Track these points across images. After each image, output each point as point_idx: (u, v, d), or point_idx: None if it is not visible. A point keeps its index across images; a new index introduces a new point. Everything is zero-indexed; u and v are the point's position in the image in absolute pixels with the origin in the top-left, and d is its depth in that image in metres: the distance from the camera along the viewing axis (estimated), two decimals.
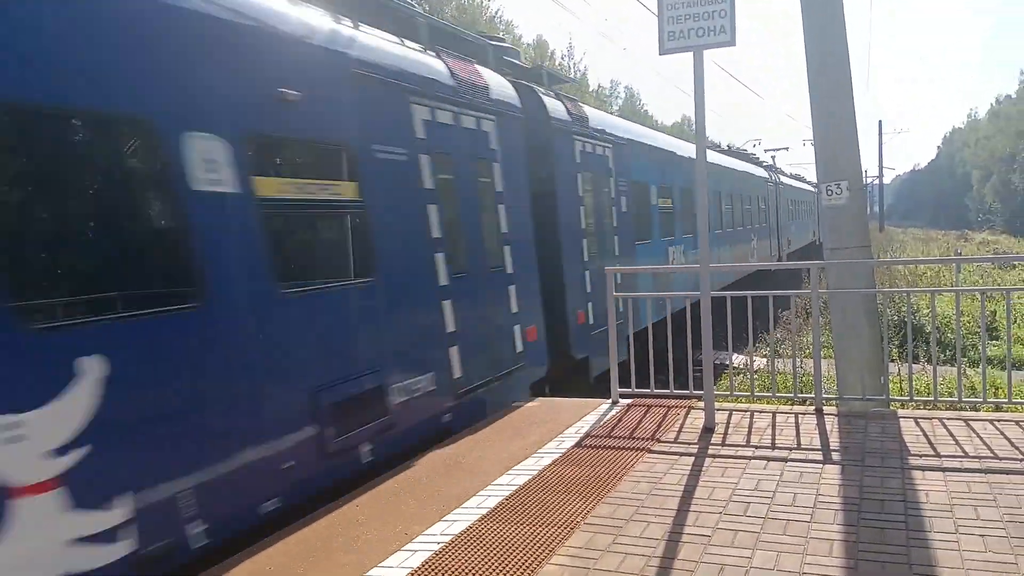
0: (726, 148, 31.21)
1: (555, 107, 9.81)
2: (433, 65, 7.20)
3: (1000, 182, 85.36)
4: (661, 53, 6.21)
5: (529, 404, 7.35)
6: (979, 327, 13.85)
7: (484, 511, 4.63)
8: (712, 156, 18.02)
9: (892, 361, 11.17)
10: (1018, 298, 17.03)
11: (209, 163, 4.50)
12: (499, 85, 8.48)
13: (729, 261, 18.62)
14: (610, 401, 7.18)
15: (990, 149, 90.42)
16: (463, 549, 4.11)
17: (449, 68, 7.41)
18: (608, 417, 6.67)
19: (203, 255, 4.43)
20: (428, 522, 4.52)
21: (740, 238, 21.63)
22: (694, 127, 6.40)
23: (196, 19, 4.55)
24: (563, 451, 5.77)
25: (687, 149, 16.22)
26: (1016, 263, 27.35)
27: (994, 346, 13.31)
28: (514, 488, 5.00)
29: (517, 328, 8.17)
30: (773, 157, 40.58)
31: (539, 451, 5.80)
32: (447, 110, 7.12)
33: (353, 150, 5.81)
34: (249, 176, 4.77)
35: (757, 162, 29.49)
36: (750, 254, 23.06)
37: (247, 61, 4.91)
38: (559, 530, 4.29)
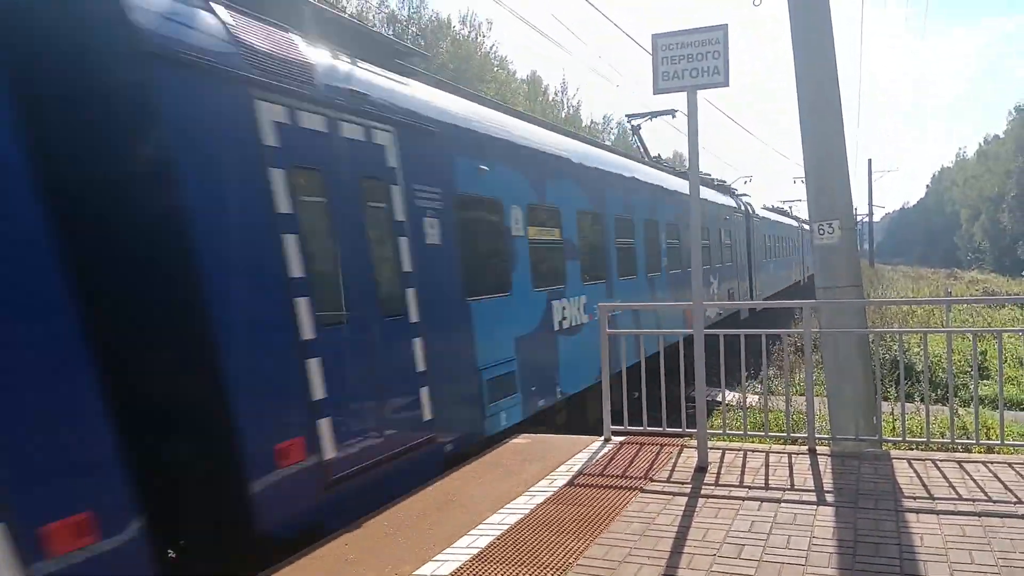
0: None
1: (744, 204, 23.13)
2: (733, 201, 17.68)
3: (988, 221, 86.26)
4: (656, 92, 6.27)
5: (518, 440, 7.30)
6: (970, 367, 13.91)
7: (475, 551, 4.57)
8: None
9: (885, 400, 11.18)
10: (1009, 338, 17.11)
11: (518, 221, 8.59)
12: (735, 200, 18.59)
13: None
14: (602, 439, 7.14)
15: (978, 188, 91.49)
16: None
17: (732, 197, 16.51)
18: (600, 455, 6.63)
19: (512, 270, 8.46)
20: (419, 561, 4.46)
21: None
22: (688, 163, 6.44)
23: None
24: (555, 489, 5.71)
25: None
26: (1006, 304, 27.51)
27: (985, 386, 13.35)
28: (505, 528, 4.94)
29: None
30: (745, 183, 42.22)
31: (531, 489, 5.75)
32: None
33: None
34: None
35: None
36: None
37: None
38: (551, 572, 4.23)
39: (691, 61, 6.12)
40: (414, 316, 6.52)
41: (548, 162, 9.68)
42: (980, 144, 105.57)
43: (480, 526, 5.00)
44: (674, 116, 19.47)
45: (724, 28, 6.03)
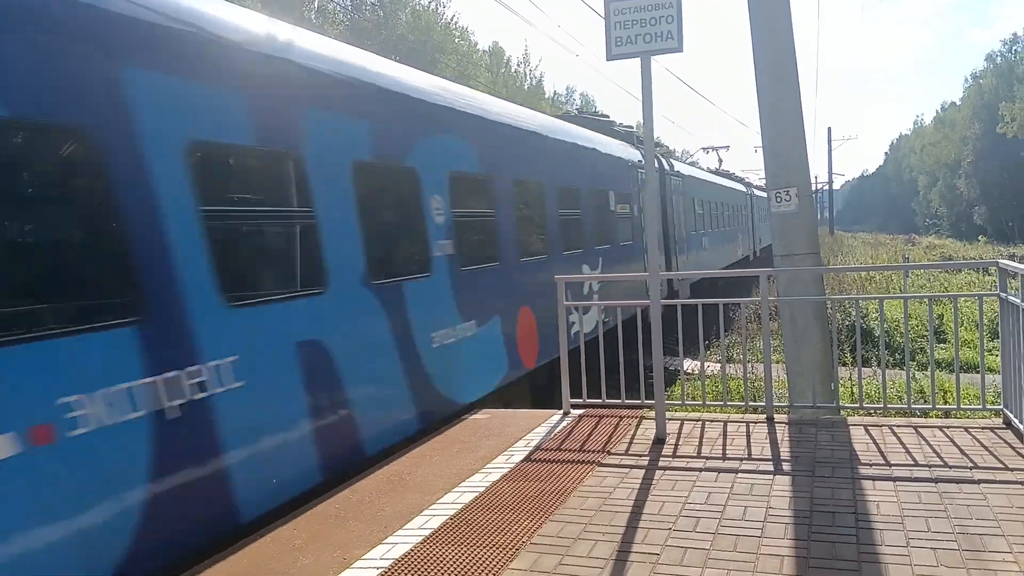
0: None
1: (664, 163, 19.67)
2: (633, 152, 15.74)
3: (945, 187, 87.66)
4: (608, 59, 6.12)
5: (477, 416, 7.19)
6: (927, 331, 14.08)
7: (427, 532, 4.45)
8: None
9: (843, 366, 11.25)
10: (964, 303, 17.35)
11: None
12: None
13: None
14: (561, 412, 7.05)
15: (936, 155, 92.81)
16: (402, 575, 3.93)
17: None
18: (559, 429, 6.54)
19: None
20: (369, 545, 4.33)
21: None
22: (643, 132, 6.31)
23: None
24: (512, 466, 5.61)
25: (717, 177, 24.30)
26: (962, 268, 27.97)
27: (942, 350, 13.50)
28: (459, 507, 4.83)
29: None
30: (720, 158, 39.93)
31: (487, 466, 5.64)
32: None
33: None
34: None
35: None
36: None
37: None
38: (504, 552, 4.13)
39: (644, 26, 5.97)
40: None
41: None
42: (937, 111, 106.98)
43: (433, 506, 4.88)
44: (727, 150, 24.55)
45: None
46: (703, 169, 30.40)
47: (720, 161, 37.73)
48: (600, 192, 12.74)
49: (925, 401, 9.36)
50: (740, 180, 35.31)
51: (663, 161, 17.92)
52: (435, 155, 7.41)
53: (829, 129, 68.35)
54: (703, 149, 37.42)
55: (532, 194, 9.92)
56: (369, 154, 6.42)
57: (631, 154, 14.97)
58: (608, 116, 17.56)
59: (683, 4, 5.92)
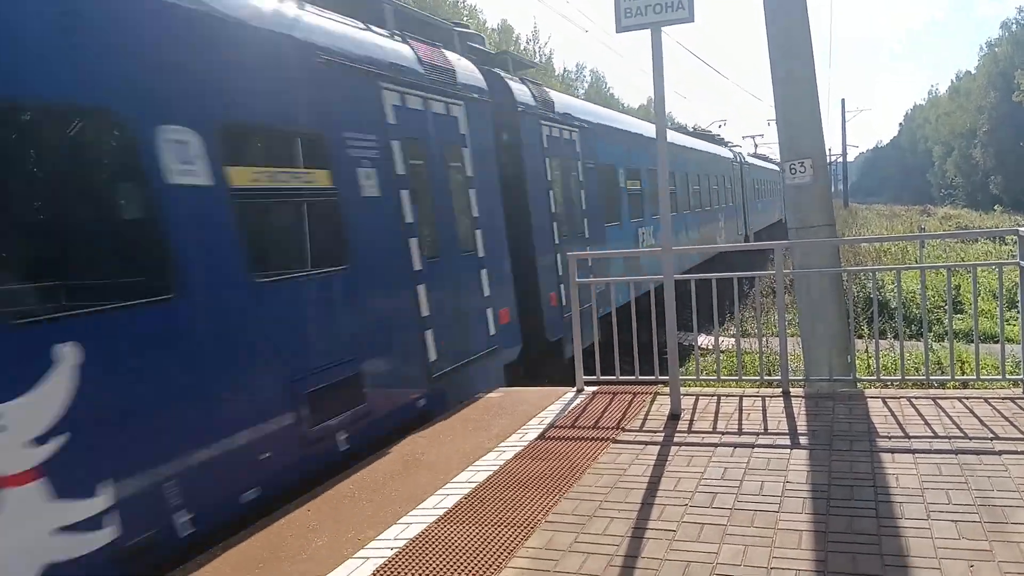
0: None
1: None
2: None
3: (961, 157, 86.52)
4: (618, 31, 6.00)
5: (492, 394, 7.16)
6: (944, 302, 13.95)
7: (441, 511, 4.43)
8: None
9: (859, 338, 11.15)
10: (982, 272, 17.16)
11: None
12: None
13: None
14: (575, 389, 7.01)
15: (950, 125, 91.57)
16: (416, 555, 3.91)
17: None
18: (572, 406, 6.50)
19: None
20: (383, 525, 4.32)
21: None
22: (654, 105, 6.21)
23: None
24: (525, 444, 5.58)
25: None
26: (979, 238, 27.67)
27: (959, 320, 13.37)
28: (473, 486, 4.81)
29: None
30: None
31: (501, 444, 5.61)
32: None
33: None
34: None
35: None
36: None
37: None
38: (518, 530, 4.11)
39: None
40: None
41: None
42: (952, 81, 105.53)
43: (448, 485, 4.86)
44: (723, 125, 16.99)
45: None
46: (755, 158, 31.18)
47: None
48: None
49: (942, 372, 9.27)
50: (724, 144, 30.26)
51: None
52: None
53: (843, 100, 67.63)
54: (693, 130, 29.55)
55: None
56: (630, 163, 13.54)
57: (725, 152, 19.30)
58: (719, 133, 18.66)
59: None
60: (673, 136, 18.27)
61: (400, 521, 4.35)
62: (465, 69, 8.45)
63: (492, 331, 8.18)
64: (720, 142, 29.02)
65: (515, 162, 9.44)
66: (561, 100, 11.43)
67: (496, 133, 8.94)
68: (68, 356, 3.73)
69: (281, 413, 5.05)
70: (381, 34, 7.18)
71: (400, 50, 7.24)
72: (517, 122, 9.47)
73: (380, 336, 6.28)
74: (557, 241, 10.14)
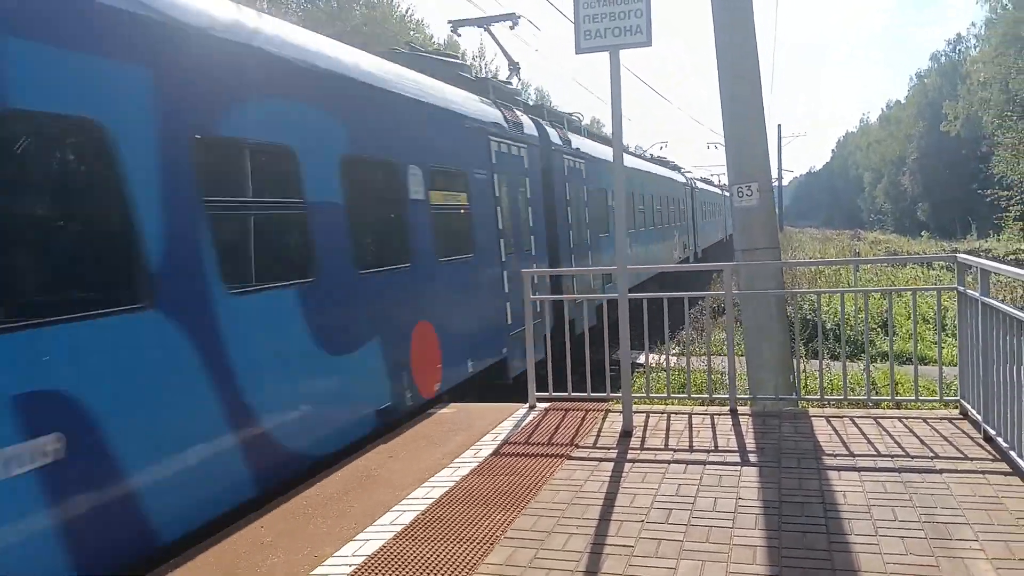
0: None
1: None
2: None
3: (890, 184, 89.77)
4: (577, 52, 6.10)
5: (444, 410, 7.14)
6: (876, 324, 14.41)
7: (399, 528, 4.41)
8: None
9: (802, 358, 11.43)
10: (909, 296, 17.73)
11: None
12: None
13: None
14: (527, 405, 7.04)
15: (881, 153, 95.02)
16: (376, 573, 3.87)
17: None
18: (526, 423, 6.53)
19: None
20: (339, 542, 4.27)
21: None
22: (611, 128, 6.31)
23: None
24: (480, 460, 5.58)
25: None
26: (909, 263, 28.68)
27: (886, 342, 13.81)
28: (430, 502, 4.79)
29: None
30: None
31: (455, 460, 5.60)
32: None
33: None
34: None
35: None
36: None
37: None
38: (478, 546, 4.11)
39: (613, 20, 5.97)
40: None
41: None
42: (883, 109, 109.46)
43: (404, 501, 4.83)
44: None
45: None
46: (702, 182, 32.66)
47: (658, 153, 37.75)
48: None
49: (877, 393, 9.57)
50: (677, 169, 32.70)
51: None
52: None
53: (779, 126, 69.60)
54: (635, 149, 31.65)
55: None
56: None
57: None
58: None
59: None
60: (639, 163, 21.95)
61: (357, 538, 4.31)
62: (527, 123, 11.75)
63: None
64: (675, 168, 32.31)
65: (548, 187, 12.15)
66: (575, 139, 14.58)
67: (542, 167, 11.84)
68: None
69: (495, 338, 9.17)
70: (487, 102, 10.37)
71: (496, 113, 10.41)
72: (551, 158, 12.38)
73: (489, 300, 9.27)
74: (571, 247, 12.77)
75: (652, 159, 30.49)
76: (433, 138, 8.25)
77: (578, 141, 14.58)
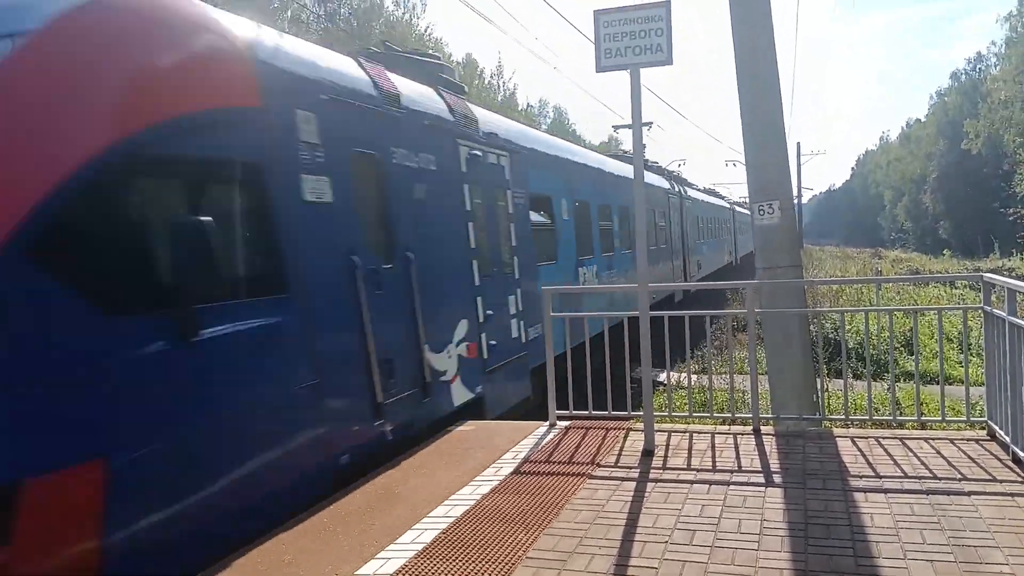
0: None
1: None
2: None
3: (911, 202, 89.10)
4: (598, 71, 6.12)
5: (463, 427, 7.12)
6: (899, 344, 14.27)
7: (420, 547, 4.38)
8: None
9: (825, 378, 11.33)
10: (934, 315, 17.54)
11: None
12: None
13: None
14: (547, 424, 7.01)
15: (901, 171, 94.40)
16: None
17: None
18: (546, 441, 6.49)
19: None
20: (360, 561, 4.25)
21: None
22: (632, 145, 6.31)
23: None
24: (501, 478, 5.55)
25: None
26: (934, 282, 28.41)
27: (912, 362, 13.66)
28: (451, 520, 4.76)
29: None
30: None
31: (476, 479, 5.57)
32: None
33: None
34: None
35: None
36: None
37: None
38: (499, 566, 4.07)
39: (633, 39, 5.98)
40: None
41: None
42: (903, 128, 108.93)
43: (424, 520, 4.81)
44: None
45: (667, 5, 5.89)
46: (701, 192, 31.83)
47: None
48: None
49: (901, 413, 9.45)
50: (723, 198, 41.94)
51: (681, 188, 23.70)
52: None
53: (799, 144, 69.22)
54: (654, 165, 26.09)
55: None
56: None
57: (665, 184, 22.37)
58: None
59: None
60: (589, 158, 15.40)
61: (378, 556, 4.29)
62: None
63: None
64: (659, 170, 24.50)
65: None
66: (688, 190, 22.46)
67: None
68: None
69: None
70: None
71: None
72: (682, 204, 19.53)
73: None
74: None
75: (710, 192, 31.36)
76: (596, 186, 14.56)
77: (688, 191, 16.95)
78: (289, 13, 51.11)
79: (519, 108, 72.51)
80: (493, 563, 4.12)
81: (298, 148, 5.57)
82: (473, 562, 4.14)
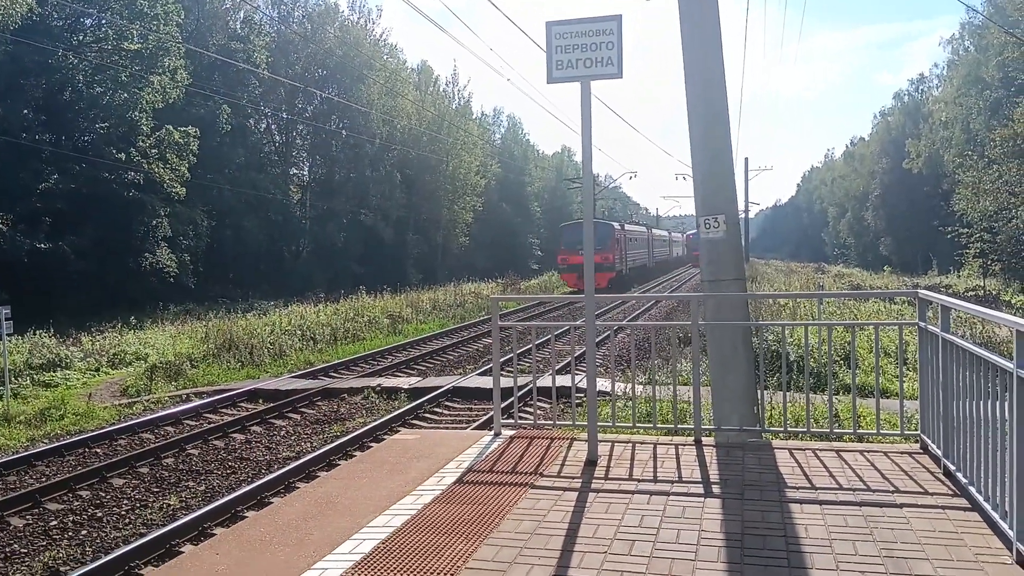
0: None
1: None
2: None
3: (854, 219, 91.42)
4: (549, 82, 6.16)
5: (407, 436, 7.07)
6: (838, 357, 14.59)
7: (358, 557, 4.33)
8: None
9: (766, 390, 11.52)
10: (871, 331, 17.99)
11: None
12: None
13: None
14: (492, 433, 6.99)
15: (845, 188, 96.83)
16: None
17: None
18: (490, 451, 6.48)
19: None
20: (297, 571, 4.17)
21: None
22: (580, 158, 6.36)
23: None
24: (443, 488, 5.52)
25: None
26: (871, 297, 29.13)
27: (848, 375, 13.96)
28: (392, 530, 4.71)
29: None
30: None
31: (418, 488, 5.53)
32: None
33: None
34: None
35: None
36: None
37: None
38: None
39: (585, 51, 6.03)
40: None
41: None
42: (847, 146, 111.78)
43: (364, 529, 4.75)
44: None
45: (618, 19, 5.96)
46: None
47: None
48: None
49: (840, 426, 9.66)
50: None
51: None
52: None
53: (746, 159, 70.73)
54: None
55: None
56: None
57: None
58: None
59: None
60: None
61: (315, 567, 4.22)
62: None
63: None
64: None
65: None
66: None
67: None
68: None
69: None
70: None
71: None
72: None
73: None
74: None
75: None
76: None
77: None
78: (242, 14, 50.41)
79: (473, 116, 72.52)
80: (432, 573, 4.08)
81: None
82: (412, 572, 4.10)
